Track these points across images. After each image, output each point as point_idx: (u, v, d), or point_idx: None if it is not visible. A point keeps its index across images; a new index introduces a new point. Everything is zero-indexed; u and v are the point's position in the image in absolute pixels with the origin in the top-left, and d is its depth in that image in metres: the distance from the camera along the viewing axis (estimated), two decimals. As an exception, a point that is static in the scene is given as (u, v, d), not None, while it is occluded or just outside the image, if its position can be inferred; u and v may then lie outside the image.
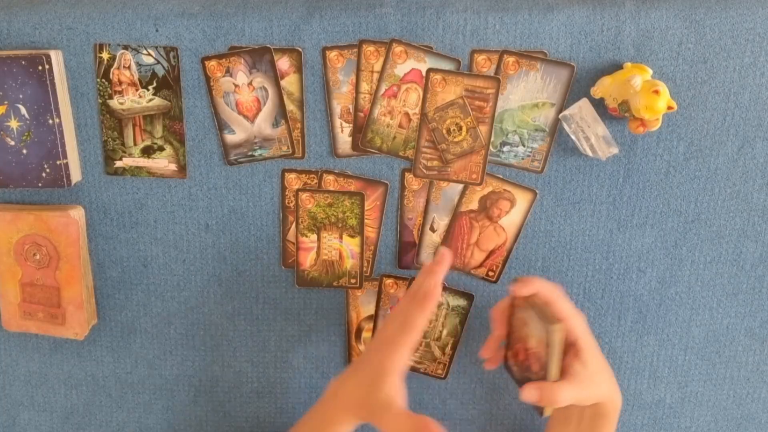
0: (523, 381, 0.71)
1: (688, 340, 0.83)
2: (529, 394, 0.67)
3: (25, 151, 0.75)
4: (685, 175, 0.77)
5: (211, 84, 0.75)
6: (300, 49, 0.74)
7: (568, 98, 0.75)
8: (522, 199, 0.78)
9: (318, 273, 0.81)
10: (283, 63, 0.74)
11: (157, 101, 0.76)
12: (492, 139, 0.76)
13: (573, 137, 0.74)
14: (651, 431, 0.86)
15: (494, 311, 0.75)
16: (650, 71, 0.72)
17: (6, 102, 0.73)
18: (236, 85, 0.75)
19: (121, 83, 0.75)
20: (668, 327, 0.82)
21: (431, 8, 0.73)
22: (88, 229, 0.80)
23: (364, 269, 0.81)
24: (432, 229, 0.79)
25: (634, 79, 0.69)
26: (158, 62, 0.75)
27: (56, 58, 0.73)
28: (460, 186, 0.78)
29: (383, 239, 0.80)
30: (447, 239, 0.79)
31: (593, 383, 0.70)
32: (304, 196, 0.78)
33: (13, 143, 0.75)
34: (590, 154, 0.74)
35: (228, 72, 0.75)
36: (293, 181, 0.78)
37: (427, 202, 0.78)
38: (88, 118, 0.77)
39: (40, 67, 0.72)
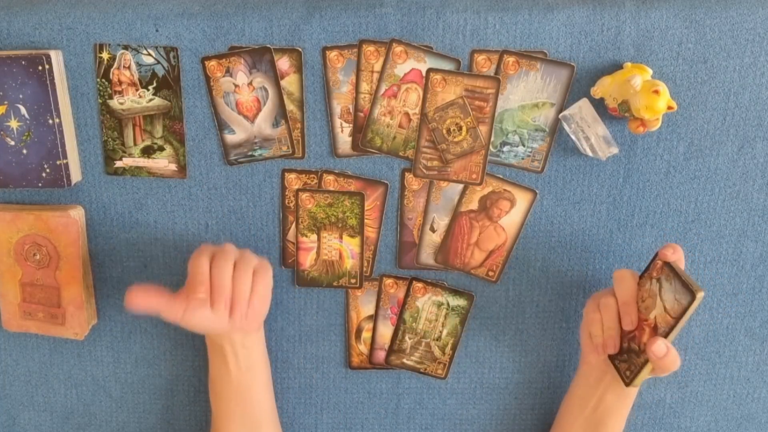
0: (620, 353, 0.73)
1: (688, 340, 0.83)
2: (659, 347, 0.67)
3: (25, 151, 0.75)
4: (685, 175, 0.77)
5: (211, 84, 0.75)
6: (300, 49, 0.74)
7: (568, 98, 0.75)
8: (522, 199, 0.78)
9: (318, 273, 0.81)
10: (283, 63, 0.74)
11: (157, 101, 0.76)
12: (492, 139, 0.76)
13: (573, 137, 0.74)
14: (651, 431, 0.86)
15: (629, 298, 0.72)
16: (650, 71, 0.72)
17: (6, 102, 0.73)
18: (236, 85, 0.75)
19: (121, 83, 0.75)
20: (668, 327, 0.82)
21: (431, 8, 0.73)
22: (88, 229, 0.80)
23: (364, 269, 0.81)
24: (432, 229, 0.79)
25: (634, 79, 0.69)
26: (158, 62, 0.74)
27: (56, 58, 0.73)
28: (460, 186, 0.78)
29: (383, 239, 0.80)
30: (447, 239, 0.79)
31: None
32: (304, 196, 0.78)
33: (13, 143, 0.75)
34: (590, 154, 0.74)
35: (228, 72, 0.75)
36: (293, 181, 0.78)
37: (427, 202, 0.78)
38: (88, 118, 0.77)
39: (40, 67, 0.72)
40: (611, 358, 0.74)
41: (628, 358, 0.72)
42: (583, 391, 0.78)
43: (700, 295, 0.65)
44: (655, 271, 0.71)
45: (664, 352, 0.67)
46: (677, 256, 0.70)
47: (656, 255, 0.71)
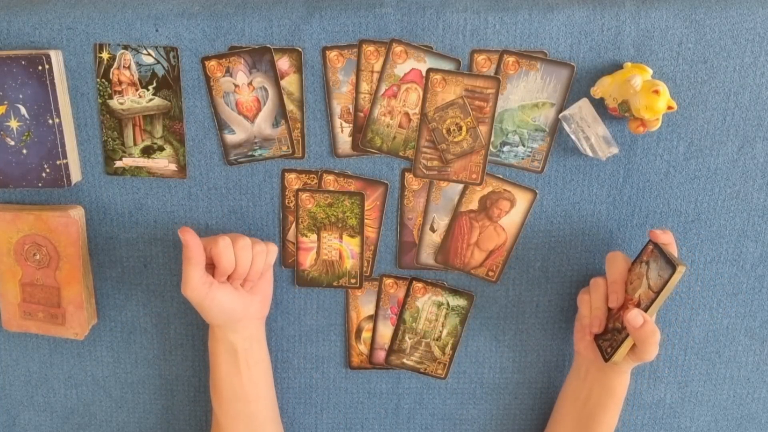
0: (605, 333, 0.74)
1: (688, 340, 0.83)
2: (636, 317, 0.68)
3: (25, 151, 0.75)
4: (685, 175, 0.78)
5: (211, 84, 0.75)
6: (300, 49, 0.74)
7: (568, 98, 0.75)
8: (522, 199, 0.78)
9: (318, 273, 0.81)
10: (283, 63, 0.74)
11: (157, 101, 0.76)
12: (492, 139, 0.76)
13: (573, 137, 0.74)
14: (651, 431, 0.86)
15: (618, 278, 0.74)
16: (650, 71, 0.72)
17: (6, 102, 0.73)
18: (236, 85, 0.75)
19: (121, 83, 0.75)
20: (668, 327, 0.82)
21: (431, 8, 0.73)
22: (88, 229, 0.80)
23: (364, 269, 0.81)
24: (432, 229, 0.79)
25: (634, 79, 0.69)
26: (158, 62, 0.75)
27: (56, 58, 0.73)
28: (460, 186, 0.78)
29: (383, 239, 0.80)
30: (447, 239, 0.79)
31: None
32: (304, 196, 0.78)
33: (13, 143, 0.75)
34: (590, 154, 0.74)
35: (228, 72, 0.75)
36: (293, 181, 0.78)
37: (427, 202, 0.78)
38: (88, 118, 0.77)
39: (40, 67, 0.72)
40: (596, 338, 0.75)
41: (610, 337, 0.73)
42: (574, 385, 0.79)
43: (681, 268, 0.67)
44: (646, 255, 0.73)
45: (640, 322, 0.68)
46: (666, 239, 0.72)
47: (648, 242, 0.73)
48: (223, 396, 0.77)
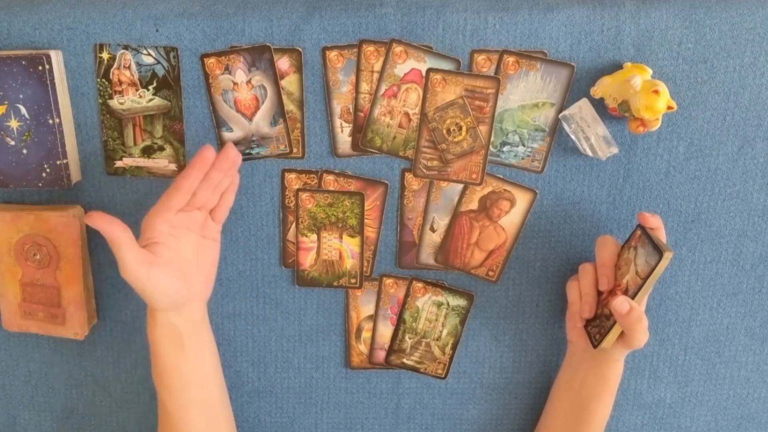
0: (594, 319, 0.74)
1: (688, 340, 0.83)
2: (622, 304, 0.68)
3: (25, 151, 0.75)
4: (685, 175, 0.78)
5: (210, 81, 0.75)
6: (300, 49, 0.74)
7: (568, 98, 0.75)
8: (522, 199, 0.78)
9: (318, 273, 0.81)
10: (283, 63, 0.74)
11: (157, 101, 0.76)
12: (492, 139, 0.76)
13: (573, 137, 0.74)
14: (651, 431, 0.86)
15: (608, 261, 0.74)
16: (650, 71, 0.72)
17: (6, 102, 0.73)
18: (235, 83, 0.75)
19: (121, 83, 0.75)
20: (668, 327, 0.82)
21: (431, 8, 0.73)
22: (88, 229, 0.80)
23: (364, 269, 0.81)
24: (432, 229, 0.79)
25: (634, 79, 0.69)
26: (158, 62, 0.75)
27: (56, 58, 0.73)
28: (460, 186, 0.78)
29: (383, 239, 0.80)
30: (447, 239, 0.79)
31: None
32: (304, 196, 0.78)
33: (13, 143, 0.75)
34: (590, 154, 0.74)
35: (227, 69, 0.75)
36: (293, 181, 0.78)
37: (427, 202, 0.78)
38: (88, 118, 0.77)
39: (40, 67, 0.72)
40: (586, 325, 0.75)
41: (599, 323, 0.73)
42: (567, 374, 0.79)
43: (667, 254, 0.67)
44: (634, 240, 0.72)
45: (626, 309, 0.68)
46: (655, 223, 0.72)
47: (636, 227, 0.73)
48: (172, 385, 0.73)
